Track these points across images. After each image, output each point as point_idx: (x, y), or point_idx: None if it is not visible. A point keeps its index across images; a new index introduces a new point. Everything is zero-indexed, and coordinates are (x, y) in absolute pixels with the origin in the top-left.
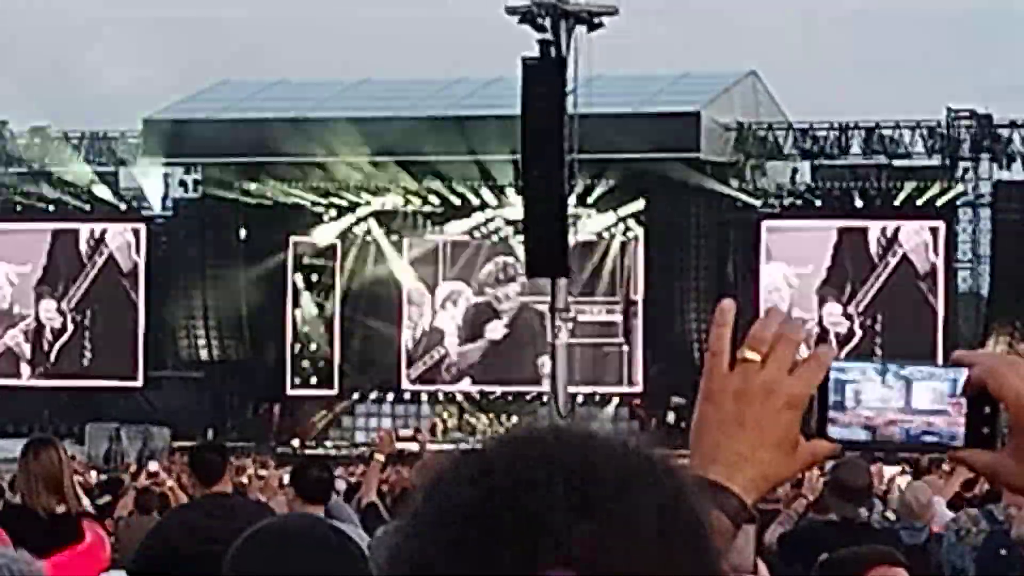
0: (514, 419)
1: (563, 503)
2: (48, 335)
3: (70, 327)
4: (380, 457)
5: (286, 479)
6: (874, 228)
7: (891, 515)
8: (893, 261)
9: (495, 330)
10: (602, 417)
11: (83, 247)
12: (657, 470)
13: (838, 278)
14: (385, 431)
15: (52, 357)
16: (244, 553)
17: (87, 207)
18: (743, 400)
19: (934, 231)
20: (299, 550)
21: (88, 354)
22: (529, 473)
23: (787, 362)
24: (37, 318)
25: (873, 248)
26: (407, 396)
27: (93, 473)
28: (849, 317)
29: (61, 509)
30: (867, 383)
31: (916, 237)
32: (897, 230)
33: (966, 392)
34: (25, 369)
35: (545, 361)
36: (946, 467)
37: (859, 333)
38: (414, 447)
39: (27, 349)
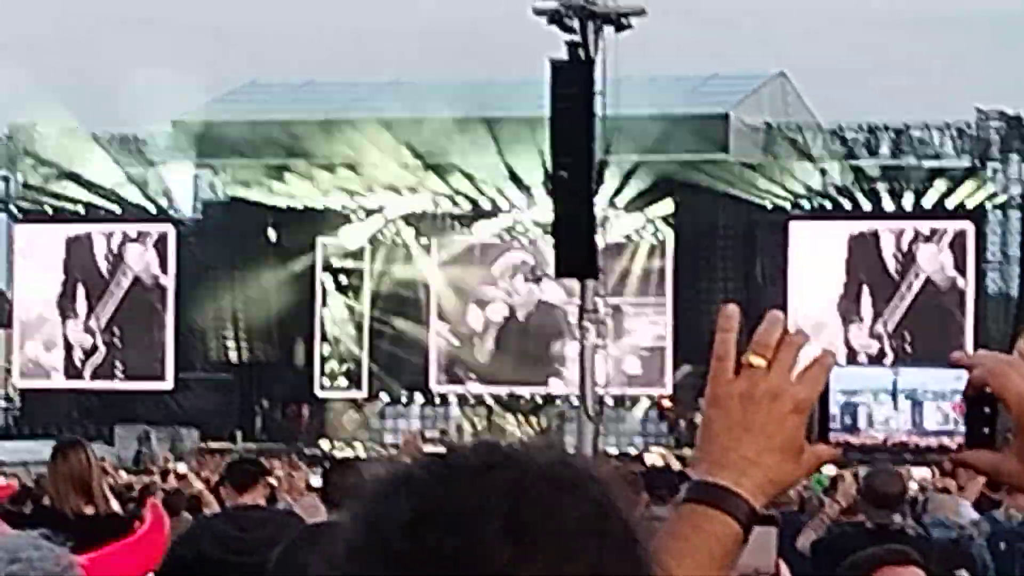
0: (542, 421)
1: (496, 531)
2: (79, 345)
3: (100, 335)
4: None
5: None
6: (890, 244)
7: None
8: (916, 280)
9: (523, 332)
10: (631, 418)
11: (112, 250)
12: (583, 481)
13: (864, 282)
14: (411, 435)
15: (86, 369)
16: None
17: (116, 209)
18: (749, 405)
19: (957, 238)
20: None
21: (120, 364)
22: (461, 499)
23: (792, 367)
24: (66, 330)
25: (896, 255)
26: (436, 398)
27: (123, 473)
28: (875, 325)
29: (90, 511)
30: (878, 405)
31: (934, 260)
32: (915, 249)
33: (967, 393)
34: (55, 372)
35: (572, 362)
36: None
37: (886, 339)
38: (441, 450)
39: (59, 358)
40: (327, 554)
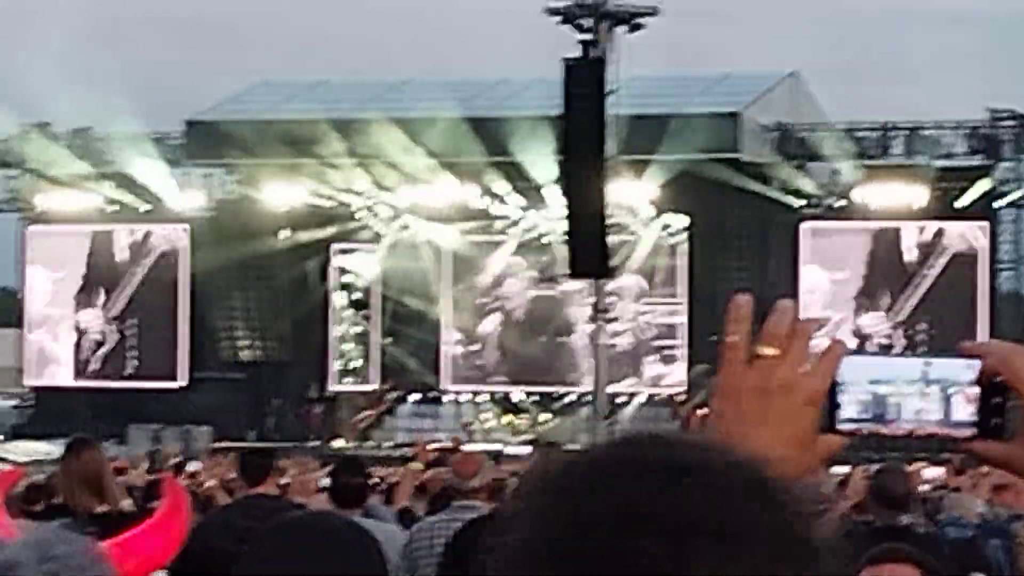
0: (555, 420)
1: (703, 535)
2: (90, 344)
3: (113, 335)
4: (418, 465)
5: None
6: (911, 233)
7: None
8: (935, 267)
9: (537, 331)
10: (644, 417)
11: (125, 250)
12: (778, 488)
13: (877, 282)
14: (422, 444)
15: (95, 364)
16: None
17: (130, 208)
18: (762, 396)
19: (978, 232)
20: (308, 545)
21: (133, 360)
22: (664, 500)
23: (803, 357)
24: (78, 327)
25: (909, 256)
26: (447, 396)
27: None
28: (887, 324)
29: (102, 509)
30: (907, 397)
31: (960, 241)
32: (941, 232)
33: (980, 382)
34: (67, 371)
35: (586, 361)
36: (984, 468)
37: (900, 335)
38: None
39: (69, 356)
40: (507, 552)
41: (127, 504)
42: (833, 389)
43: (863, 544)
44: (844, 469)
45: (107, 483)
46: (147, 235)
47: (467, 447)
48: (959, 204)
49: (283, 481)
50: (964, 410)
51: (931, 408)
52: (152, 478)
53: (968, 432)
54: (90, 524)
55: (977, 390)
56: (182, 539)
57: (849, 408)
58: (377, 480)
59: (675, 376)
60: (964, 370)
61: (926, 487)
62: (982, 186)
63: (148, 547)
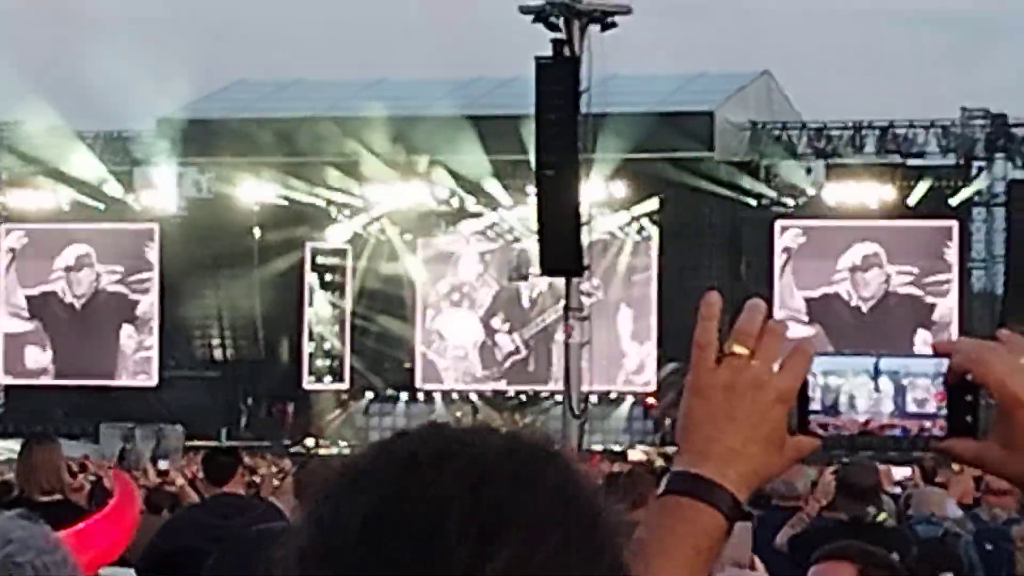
0: (528, 418)
1: (454, 530)
2: (61, 344)
3: (81, 334)
4: None
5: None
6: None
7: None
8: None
9: (508, 329)
10: (616, 416)
11: (97, 246)
12: (543, 466)
13: (844, 285)
14: None
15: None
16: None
17: (101, 206)
18: (733, 395)
19: (945, 233)
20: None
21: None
22: (415, 497)
23: (774, 356)
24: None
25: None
26: (421, 395)
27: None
28: (856, 320)
29: (53, 498)
30: (860, 388)
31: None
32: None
33: (948, 381)
34: (38, 369)
35: (557, 360)
36: (955, 467)
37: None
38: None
39: (38, 356)
40: (280, 558)
41: (78, 498)
42: (803, 389)
43: (831, 538)
44: (813, 470)
45: (60, 477)
46: (118, 233)
47: None
48: (932, 203)
49: (255, 480)
50: (920, 403)
51: (884, 400)
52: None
53: (924, 424)
54: (43, 513)
55: (943, 388)
56: (133, 530)
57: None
58: None
59: (646, 375)
60: (916, 366)
61: (896, 489)
62: (955, 185)
63: (101, 538)
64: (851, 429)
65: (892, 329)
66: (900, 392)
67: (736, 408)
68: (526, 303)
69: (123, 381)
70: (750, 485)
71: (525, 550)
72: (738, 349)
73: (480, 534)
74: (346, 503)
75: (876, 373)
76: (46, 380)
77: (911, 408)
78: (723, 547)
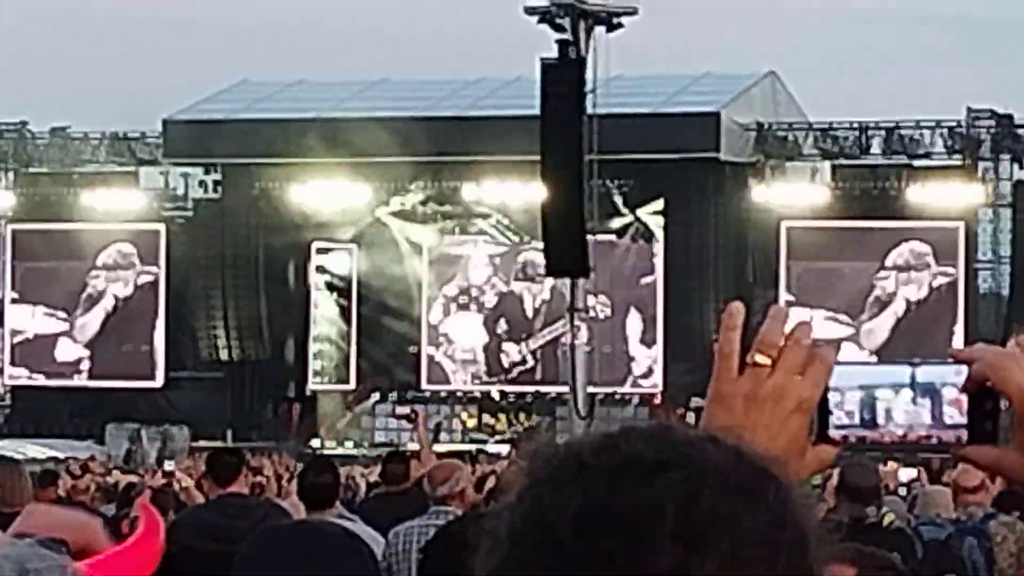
0: (534, 419)
1: (666, 535)
2: (70, 344)
3: (90, 335)
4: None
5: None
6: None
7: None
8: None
9: (514, 330)
10: (621, 417)
11: (104, 248)
12: (761, 484)
13: (849, 286)
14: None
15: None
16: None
17: (107, 208)
18: (754, 404)
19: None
20: (302, 551)
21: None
22: (632, 497)
23: (796, 366)
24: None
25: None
26: (426, 396)
27: (116, 473)
28: (863, 323)
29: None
30: (897, 400)
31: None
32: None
33: (967, 388)
34: (46, 371)
35: (563, 361)
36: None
37: (871, 337)
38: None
39: (47, 356)
40: (489, 537)
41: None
42: (824, 397)
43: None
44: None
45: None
46: (124, 235)
47: (447, 447)
48: (938, 204)
49: (260, 480)
50: (955, 414)
51: (921, 412)
52: (130, 479)
53: (961, 435)
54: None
55: (965, 395)
56: (156, 562)
57: (840, 414)
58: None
59: (654, 379)
60: (953, 375)
61: (903, 490)
62: (961, 186)
63: (123, 569)
64: (890, 439)
65: (900, 331)
66: (937, 403)
67: (756, 418)
68: (530, 312)
69: (130, 382)
70: None
71: (734, 561)
72: (761, 359)
73: (693, 538)
74: (567, 490)
75: (913, 383)
76: (51, 381)
77: (948, 419)
78: None
